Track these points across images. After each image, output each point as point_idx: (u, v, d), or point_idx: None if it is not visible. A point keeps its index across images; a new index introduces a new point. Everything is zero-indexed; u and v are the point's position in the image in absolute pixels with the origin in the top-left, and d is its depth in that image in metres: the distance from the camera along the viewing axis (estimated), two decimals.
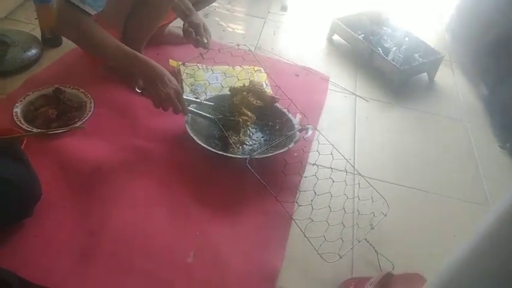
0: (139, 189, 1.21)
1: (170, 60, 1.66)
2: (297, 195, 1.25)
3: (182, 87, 1.53)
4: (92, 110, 1.38)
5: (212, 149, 1.27)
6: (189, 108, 1.33)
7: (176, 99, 1.26)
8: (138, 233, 1.09)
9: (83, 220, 1.10)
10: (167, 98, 1.24)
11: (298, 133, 1.36)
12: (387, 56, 1.87)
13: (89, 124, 1.34)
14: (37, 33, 1.70)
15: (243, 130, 1.38)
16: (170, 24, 1.78)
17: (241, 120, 1.38)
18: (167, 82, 1.25)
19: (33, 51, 1.59)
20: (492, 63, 2.07)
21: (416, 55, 1.93)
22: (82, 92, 1.43)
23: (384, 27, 2.07)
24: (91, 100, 1.41)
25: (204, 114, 1.38)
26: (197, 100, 1.40)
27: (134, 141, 1.34)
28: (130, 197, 1.18)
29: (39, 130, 1.28)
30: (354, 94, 1.78)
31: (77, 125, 1.33)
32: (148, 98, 1.27)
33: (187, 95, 1.47)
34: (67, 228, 1.07)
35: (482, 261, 0.63)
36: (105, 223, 1.09)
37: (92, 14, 1.21)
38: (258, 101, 1.43)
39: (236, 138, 1.35)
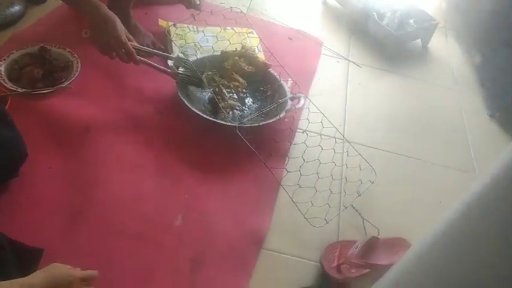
0: (127, 151, 1.20)
1: (159, 20, 1.61)
2: (286, 162, 1.26)
3: (171, 48, 1.50)
4: (79, 70, 1.34)
5: (202, 114, 1.25)
6: (142, 59, 1.29)
7: (120, 48, 1.23)
8: (127, 194, 1.10)
9: (71, 181, 1.10)
10: (107, 46, 1.22)
11: (289, 101, 1.35)
12: (382, 21, 1.84)
13: (76, 85, 1.31)
14: None
15: (230, 94, 1.36)
16: None
17: (232, 85, 1.36)
18: (110, 29, 1.21)
19: (16, 8, 1.52)
20: (487, 34, 2.06)
21: (411, 21, 1.89)
22: (69, 51, 1.39)
23: None
24: (78, 60, 1.37)
25: (159, 66, 1.33)
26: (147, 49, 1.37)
27: (123, 103, 1.32)
28: (118, 158, 1.17)
29: (24, 90, 1.25)
30: (347, 59, 1.76)
31: (63, 85, 1.30)
32: (93, 44, 1.24)
33: (179, 54, 1.43)
34: (54, 188, 1.07)
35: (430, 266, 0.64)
36: (93, 184, 1.09)
37: None
38: (250, 67, 1.40)
39: (226, 103, 1.34)
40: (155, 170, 1.18)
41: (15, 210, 1.01)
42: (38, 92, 1.25)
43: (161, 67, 1.33)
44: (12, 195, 1.03)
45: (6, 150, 0.98)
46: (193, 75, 1.33)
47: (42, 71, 1.30)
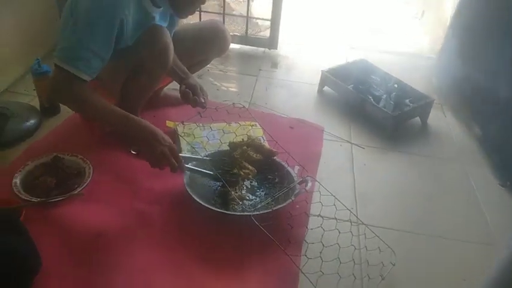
0: (141, 254, 1.18)
1: (167, 121, 1.69)
2: (305, 248, 1.23)
3: (179, 146, 1.55)
4: (91, 176, 1.38)
5: (213, 208, 1.26)
6: (187, 166, 1.34)
7: (172, 157, 1.27)
8: None
9: None
10: (162, 157, 1.26)
11: (298, 185, 1.36)
12: (378, 104, 1.92)
13: (89, 190, 1.34)
14: (36, 103, 1.74)
15: (240, 184, 1.38)
16: (166, 87, 1.83)
17: (242, 173, 1.39)
18: (161, 140, 1.27)
19: (32, 121, 1.62)
20: (481, 104, 2.12)
21: (407, 100, 1.97)
22: (81, 158, 1.44)
23: (372, 76, 2.14)
24: (90, 166, 1.41)
25: (202, 170, 1.38)
26: (195, 157, 1.41)
27: (134, 205, 1.33)
28: (132, 262, 1.15)
29: (38, 199, 1.27)
30: (349, 142, 1.80)
31: (76, 192, 1.32)
32: (143, 159, 1.28)
33: (185, 153, 1.48)
34: None
35: None
36: None
37: (87, 80, 1.25)
38: (258, 155, 1.44)
39: (237, 194, 1.35)
40: (168, 270, 1.15)
41: None
42: (51, 200, 1.27)
43: (205, 171, 1.38)
44: None
45: (20, 263, 0.97)
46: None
47: (55, 179, 1.33)
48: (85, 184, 1.35)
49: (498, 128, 1.73)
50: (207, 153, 1.46)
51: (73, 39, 1.23)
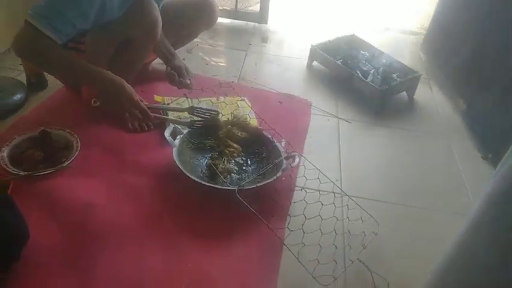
0: (129, 226, 1.20)
1: (155, 95, 1.69)
2: (288, 221, 1.26)
3: (168, 122, 1.56)
4: (79, 149, 1.39)
5: (200, 181, 1.28)
6: (156, 114, 1.37)
7: (133, 107, 1.30)
8: (130, 270, 1.09)
9: (74, 260, 1.09)
10: (119, 108, 1.29)
11: (285, 161, 1.38)
12: (366, 78, 1.93)
13: (77, 163, 1.35)
14: (22, 78, 1.73)
15: (227, 158, 1.40)
16: (154, 62, 1.82)
17: (227, 152, 1.41)
18: (120, 92, 1.30)
19: (18, 96, 1.61)
20: (467, 79, 2.14)
21: (394, 75, 1.98)
22: (68, 132, 1.44)
23: (361, 51, 2.14)
24: (78, 140, 1.42)
25: (173, 118, 1.42)
26: (168, 111, 1.47)
27: (123, 178, 1.35)
28: (121, 234, 1.17)
29: (25, 173, 1.28)
30: (336, 117, 1.82)
31: (64, 164, 1.33)
32: (107, 111, 1.29)
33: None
34: (56, 270, 1.06)
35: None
36: (97, 262, 1.09)
37: (54, 39, 1.24)
38: (243, 133, 1.46)
39: (224, 167, 1.37)
40: (156, 241, 1.17)
41: None
42: (39, 173, 1.29)
43: (177, 119, 1.42)
44: (13, 278, 1.02)
45: (8, 234, 0.99)
46: (209, 120, 1.44)
47: (43, 153, 1.34)
48: (73, 157, 1.36)
49: (482, 102, 1.75)
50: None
51: (50, 1, 1.23)
